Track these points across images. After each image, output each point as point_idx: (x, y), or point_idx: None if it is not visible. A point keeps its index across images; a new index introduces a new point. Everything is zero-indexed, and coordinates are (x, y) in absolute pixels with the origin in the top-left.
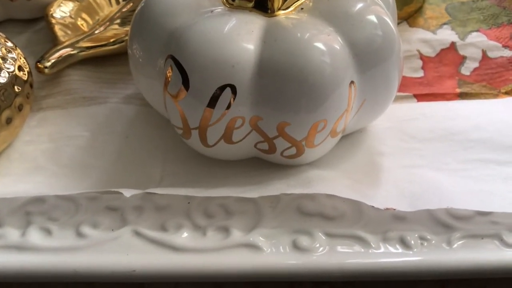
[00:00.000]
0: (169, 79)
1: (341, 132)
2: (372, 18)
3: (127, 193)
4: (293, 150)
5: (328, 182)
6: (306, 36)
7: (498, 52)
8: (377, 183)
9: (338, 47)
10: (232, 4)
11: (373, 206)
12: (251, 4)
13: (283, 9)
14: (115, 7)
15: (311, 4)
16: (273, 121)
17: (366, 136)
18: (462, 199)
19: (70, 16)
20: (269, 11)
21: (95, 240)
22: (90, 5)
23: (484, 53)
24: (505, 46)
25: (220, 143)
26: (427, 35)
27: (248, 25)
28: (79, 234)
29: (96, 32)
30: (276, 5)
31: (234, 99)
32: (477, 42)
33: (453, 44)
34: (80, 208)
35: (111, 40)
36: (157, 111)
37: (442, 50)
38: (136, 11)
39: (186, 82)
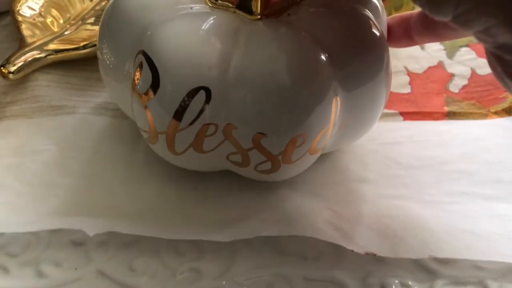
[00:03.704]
0: (138, 77)
1: (321, 150)
2: (361, 35)
3: (91, 231)
4: (268, 165)
5: (308, 216)
6: (290, 47)
7: (487, 69)
8: (358, 218)
9: (322, 60)
10: (214, 4)
11: (353, 250)
12: (234, 5)
13: (269, 13)
14: (87, 4)
15: (299, 12)
16: (248, 132)
17: (350, 159)
18: (446, 243)
19: (40, 13)
20: (253, 14)
21: (56, 280)
22: (61, 1)
23: (473, 70)
24: None
25: (189, 151)
26: (416, 50)
27: (229, 26)
28: (40, 274)
29: (67, 32)
30: (261, 8)
31: (207, 103)
32: (465, 61)
33: (441, 62)
34: (41, 242)
35: (82, 43)
36: (128, 120)
37: (430, 67)
38: (107, 8)
39: (156, 81)
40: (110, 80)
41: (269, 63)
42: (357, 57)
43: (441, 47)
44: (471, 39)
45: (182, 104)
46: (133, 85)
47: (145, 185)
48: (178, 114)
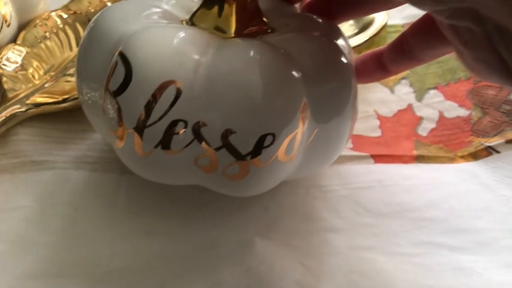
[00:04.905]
0: (111, 74)
1: (290, 160)
2: (332, 59)
3: None
4: (236, 168)
5: (276, 271)
6: (263, 52)
7: (455, 111)
8: (326, 273)
9: (295, 72)
10: (191, 25)
11: None
12: (210, 27)
13: (243, 35)
14: (68, 54)
15: (273, 36)
16: (217, 128)
17: (322, 205)
18: None
19: (22, 65)
20: (227, 34)
21: None
22: (41, 51)
23: (441, 113)
24: (461, 106)
25: (157, 151)
26: (385, 94)
27: (203, 35)
28: None
29: (47, 85)
30: (235, 29)
31: (177, 98)
32: (433, 103)
33: (410, 106)
34: None
35: (62, 97)
36: (107, 174)
37: (399, 110)
38: (81, 42)
39: (128, 76)
40: (93, 118)
41: (240, 62)
42: (328, 80)
43: (411, 89)
44: (439, 80)
45: (152, 98)
46: (106, 84)
47: (126, 241)
48: (148, 109)
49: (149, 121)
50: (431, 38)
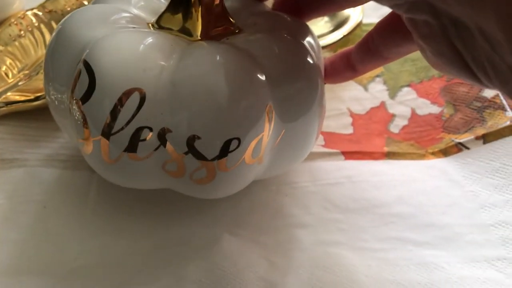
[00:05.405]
0: (76, 82)
1: (257, 162)
2: (298, 60)
3: None
4: (203, 172)
5: (240, 267)
6: (226, 55)
7: (427, 109)
8: (292, 268)
9: (259, 74)
10: (157, 28)
11: None
12: (176, 29)
13: (208, 38)
14: (42, 52)
15: (239, 37)
16: (182, 134)
17: (292, 201)
18: None
19: None
20: (193, 36)
21: None
22: (16, 50)
23: (413, 110)
24: (433, 103)
25: (124, 157)
26: (359, 91)
27: (167, 40)
28: None
29: (20, 83)
30: (201, 31)
31: (142, 105)
32: (406, 101)
33: (383, 103)
34: None
35: (35, 95)
36: (78, 171)
37: (372, 108)
38: (48, 44)
39: (92, 84)
40: (60, 119)
41: (204, 67)
42: (293, 81)
43: (384, 87)
44: (413, 78)
45: (116, 105)
46: (71, 91)
47: (94, 239)
48: (112, 116)
49: (114, 129)
50: (396, 36)
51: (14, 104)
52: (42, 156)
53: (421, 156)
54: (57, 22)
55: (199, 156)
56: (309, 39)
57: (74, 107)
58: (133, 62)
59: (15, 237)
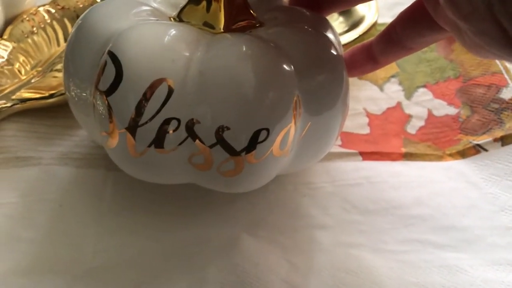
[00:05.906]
0: (101, 74)
1: (284, 155)
2: (322, 52)
3: None
4: (231, 164)
5: (262, 269)
6: (254, 47)
7: (444, 110)
8: (313, 270)
9: (286, 65)
10: (179, 21)
11: None
12: (198, 22)
13: (232, 30)
14: (55, 49)
15: (262, 30)
16: (211, 125)
17: (310, 202)
18: None
19: (8, 60)
20: (215, 29)
21: None
22: (28, 46)
23: (429, 111)
24: (450, 104)
25: (150, 151)
26: (374, 91)
27: (192, 31)
28: None
29: (33, 80)
30: (224, 24)
31: (170, 96)
32: (422, 101)
33: (399, 104)
34: None
35: (49, 92)
36: (93, 170)
37: (388, 108)
38: (68, 39)
39: (119, 75)
40: (80, 115)
41: (232, 57)
42: (319, 72)
43: (400, 88)
44: (428, 79)
45: (143, 97)
46: (96, 84)
47: (111, 238)
48: (139, 108)
49: (141, 121)
50: (419, 26)
51: (28, 102)
52: (57, 154)
53: (439, 158)
54: (69, 19)
55: (228, 147)
56: (329, 33)
57: (98, 101)
58: (160, 53)
59: (31, 236)
